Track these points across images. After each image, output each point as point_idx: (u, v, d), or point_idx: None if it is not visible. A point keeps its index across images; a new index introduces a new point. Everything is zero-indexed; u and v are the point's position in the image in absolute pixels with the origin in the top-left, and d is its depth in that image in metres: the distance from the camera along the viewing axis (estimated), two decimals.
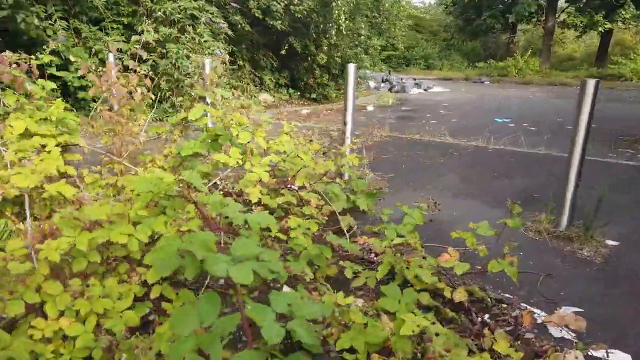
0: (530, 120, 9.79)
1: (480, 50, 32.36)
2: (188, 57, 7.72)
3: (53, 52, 6.56)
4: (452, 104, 12.95)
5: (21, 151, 2.52)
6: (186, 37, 7.89)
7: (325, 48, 11.01)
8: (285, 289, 2.29)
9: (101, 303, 1.70)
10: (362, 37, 12.29)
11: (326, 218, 3.00)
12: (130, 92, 3.07)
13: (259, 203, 2.70)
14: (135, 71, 3.14)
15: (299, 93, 12.53)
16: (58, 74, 7.06)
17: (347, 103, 4.17)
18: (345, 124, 4.19)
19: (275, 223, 1.94)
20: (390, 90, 16.55)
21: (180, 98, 7.44)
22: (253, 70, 11.05)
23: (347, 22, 10.57)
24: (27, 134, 2.63)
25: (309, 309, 1.65)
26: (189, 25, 8.05)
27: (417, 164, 5.54)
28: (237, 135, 2.79)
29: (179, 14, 7.94)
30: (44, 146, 2.54)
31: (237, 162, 2.65)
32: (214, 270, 1.46)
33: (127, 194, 2.26)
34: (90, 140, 3.64)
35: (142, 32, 7.48)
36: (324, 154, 4.15)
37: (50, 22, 7.24)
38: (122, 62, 3.76)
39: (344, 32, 10.94)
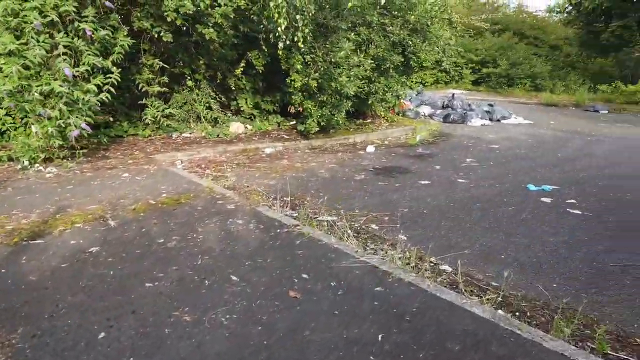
0: (599, 187, 5.78)
1: (614, 70, 25.81)
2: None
3: None
4: (504, 148, 9.05)
5: None
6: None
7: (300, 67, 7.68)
8: None
9: None
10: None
11: None
12: None
13: None
14: None
15: (293, 122, 9.66)
16: None
17: None
18: None
19: None
20: (445, 119, 12.82)
21: None
22: (212, 92, 8.49)
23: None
24: None
25: None
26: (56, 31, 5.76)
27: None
28: None
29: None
30: None
31: None
32: None
33: None
34: None
35: None
36: None
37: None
38: None
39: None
